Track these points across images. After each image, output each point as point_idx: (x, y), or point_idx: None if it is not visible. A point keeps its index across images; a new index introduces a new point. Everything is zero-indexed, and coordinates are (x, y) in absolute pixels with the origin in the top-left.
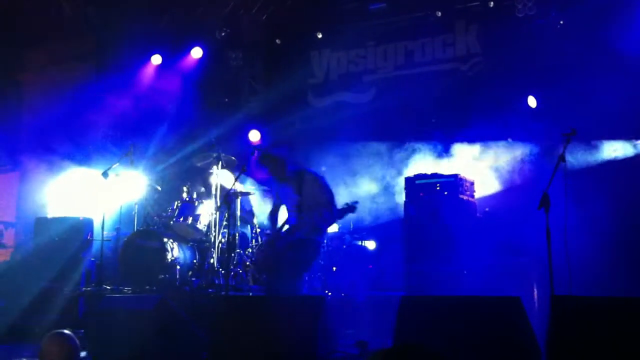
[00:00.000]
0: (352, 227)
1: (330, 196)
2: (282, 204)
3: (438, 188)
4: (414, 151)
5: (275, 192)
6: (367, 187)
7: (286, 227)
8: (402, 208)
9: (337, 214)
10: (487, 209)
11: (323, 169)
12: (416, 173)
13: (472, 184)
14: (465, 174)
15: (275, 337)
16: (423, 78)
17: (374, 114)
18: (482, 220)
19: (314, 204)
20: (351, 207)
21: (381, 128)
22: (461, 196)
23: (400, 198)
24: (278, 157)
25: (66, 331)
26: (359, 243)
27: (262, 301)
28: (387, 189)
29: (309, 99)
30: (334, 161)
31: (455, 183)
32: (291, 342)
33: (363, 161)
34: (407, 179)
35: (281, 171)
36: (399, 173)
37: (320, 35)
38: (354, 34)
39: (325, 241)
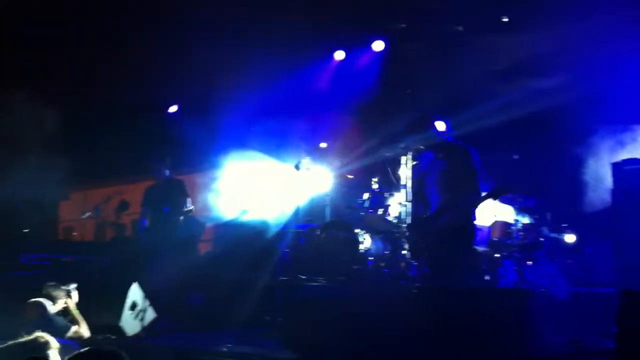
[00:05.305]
0: (549, 218)
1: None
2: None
3: None
4: (622, 136)
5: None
6: (567, 174)
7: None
8: (608, 197)
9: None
10: None
11: (515, 157)
12: (625, 158)
13: None
14: None
15: (475, 331)
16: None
17: (567, 100)
18: None
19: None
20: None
21: (577, 113)
22: None
23: (607, 186)
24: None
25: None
26: (557, 236)
27: (459, 294)
28: (591, 177)
29: (493, 86)
30: (529, 149)
31: None
32: (495, 337)
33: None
34: (615, 165)
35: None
36: (605, 159)
37: (506, 19)
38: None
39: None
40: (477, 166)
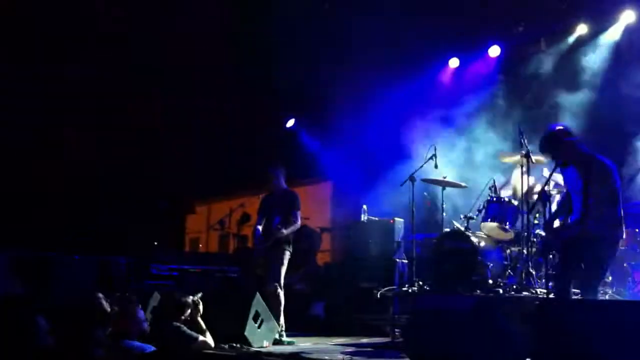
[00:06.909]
0: None
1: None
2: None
3: None
4: None
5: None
6: None
7: None
8: None
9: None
10: None
11: None
12: None
13: None
14: None
15: (604, 349)
16: None
17: None
18: None
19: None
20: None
21: None
22: None
23: None
24: (561, 136)
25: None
26: None
27: (585, 307)
28: None
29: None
30: None
31: None
32: (627, 356)
33: None
34: None
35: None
36: None
37: None
38: None
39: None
40: (616, 183)
